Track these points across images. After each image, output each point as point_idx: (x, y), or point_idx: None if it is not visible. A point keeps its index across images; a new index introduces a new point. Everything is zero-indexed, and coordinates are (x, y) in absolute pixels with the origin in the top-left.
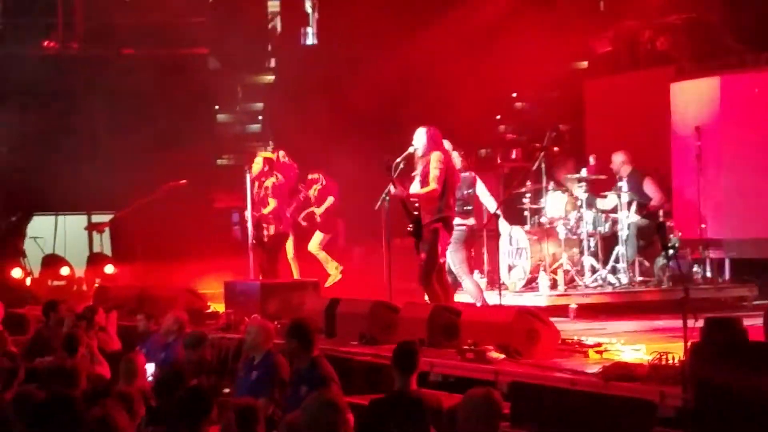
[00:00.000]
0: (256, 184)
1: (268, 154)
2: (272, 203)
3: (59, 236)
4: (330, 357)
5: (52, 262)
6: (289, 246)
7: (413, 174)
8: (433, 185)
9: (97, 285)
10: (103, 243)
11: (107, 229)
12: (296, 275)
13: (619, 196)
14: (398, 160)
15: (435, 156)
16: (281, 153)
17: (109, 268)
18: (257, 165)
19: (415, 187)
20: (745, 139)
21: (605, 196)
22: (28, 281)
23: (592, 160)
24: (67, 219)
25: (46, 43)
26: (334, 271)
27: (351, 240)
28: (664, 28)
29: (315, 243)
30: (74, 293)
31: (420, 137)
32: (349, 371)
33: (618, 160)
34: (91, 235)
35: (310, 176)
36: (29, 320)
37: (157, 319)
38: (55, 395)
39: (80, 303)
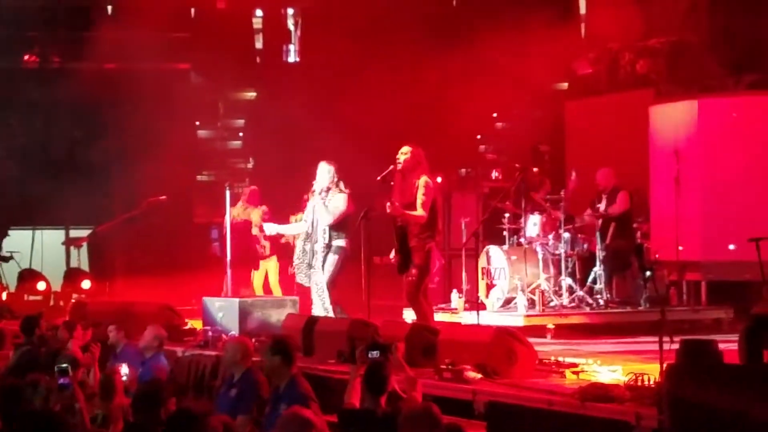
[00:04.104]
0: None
1: None
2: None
3: (36, 251)
4: (308, 375)
5: (28, 276)
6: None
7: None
8: (421, 212)
9: (73, 300)
10: (81, 258)
11: (85, 244)
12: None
13: (597, 217)
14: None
15: (423, 181)
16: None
17: (85, 284)
18: None
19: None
20: (722, 163)
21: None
22: (4, 296)
23: (573, 175)
24: (44, 233)
25: (26, 57)
26: None
27: None
28: (645, 51)
29: None
30: (50, 308)
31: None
32: (326, 390)
33: (605, 175)
34: (69, 250)
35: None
36: (6, 335)
37: (128, 333)
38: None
39: (58, 318)
